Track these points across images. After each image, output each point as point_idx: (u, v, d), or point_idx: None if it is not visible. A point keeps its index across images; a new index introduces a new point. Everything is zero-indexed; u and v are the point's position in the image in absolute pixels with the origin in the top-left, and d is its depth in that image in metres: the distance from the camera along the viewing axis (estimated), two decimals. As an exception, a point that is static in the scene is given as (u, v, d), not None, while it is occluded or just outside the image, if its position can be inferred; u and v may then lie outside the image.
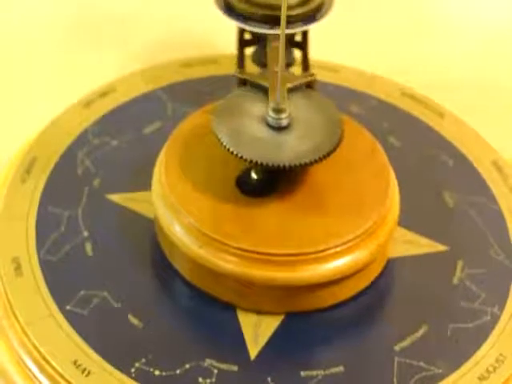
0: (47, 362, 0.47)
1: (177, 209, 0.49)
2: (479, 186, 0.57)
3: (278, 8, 0.51)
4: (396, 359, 0.48)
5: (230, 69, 0.60)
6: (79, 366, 0.47)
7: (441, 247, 0.53)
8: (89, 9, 0.67)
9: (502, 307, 0.50)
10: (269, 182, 0.50)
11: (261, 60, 0.56)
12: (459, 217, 0.55)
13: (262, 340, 0.49)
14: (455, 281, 0.52)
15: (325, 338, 0.49)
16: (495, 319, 0.50)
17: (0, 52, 0.70)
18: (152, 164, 0.52)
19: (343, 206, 0.50)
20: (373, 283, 0.52)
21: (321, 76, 0.62)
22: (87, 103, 0.60)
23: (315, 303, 0.50)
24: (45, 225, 0.52)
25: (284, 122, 0.49)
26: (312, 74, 0.53)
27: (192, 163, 0.51)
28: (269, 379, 0.47)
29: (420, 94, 0.62)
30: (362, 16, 0.74)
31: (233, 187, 0.50)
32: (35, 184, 0.55)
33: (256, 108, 0.50)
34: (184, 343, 0.48)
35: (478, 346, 0.49)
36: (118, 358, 0.47)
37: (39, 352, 0.47)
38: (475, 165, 0.58)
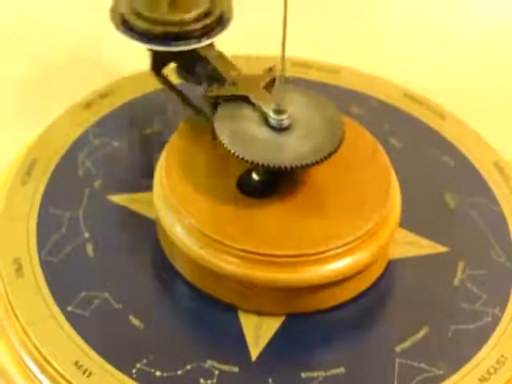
0: (48, 362, 0.47)
1: (178, 210, 0.49)
2: (480, 187, 0.57)
3: (177, 24, 0.52)
4: (397, 360, 0.48)
5: None
6: (80, 366, 0.47)
7: (442, 248, 0.53)
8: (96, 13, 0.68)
9: (502, 308, 0.50)
10: (270, 183, 0.50)
11: (192, 72, 0.55)
12: (460, 218, 0.55)
13: (263, 341, 0.49)
14: (456, 282, 0.52)
15: (325, 339, 0.49)
16: (496, 320, 0.50)
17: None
18: (153, 165, 0.52)
19: (344, 207, 0.50)
20: (374, 284, 0.51)
21: (321, 77, 0.62)
22: (87, 104, 0.60)
23: (316, 304, 0.50)
24: (46, 226, 0.52)
25: (285, 123, 0.49)
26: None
27: (193, 164, 0.51)
28: (270, 380, 0.47)
29: (421, 95, 0.62)
30: (362, 17, 0.74)
31: (234, 188, 0.50)
32: (36, 185, 0.54)
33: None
34: (185, 344, 0.48)
35: (478, 347, 0.49)
36: (119, 358, 0.47)
37: (40, 352, 0.47)
38: (476, 166, 0.58)
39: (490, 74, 0.72)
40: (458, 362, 0.48)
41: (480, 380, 0.47)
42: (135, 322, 0.49)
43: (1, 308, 0.50)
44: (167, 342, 0.48)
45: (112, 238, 0.52)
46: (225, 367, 0.47)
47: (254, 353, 0.48)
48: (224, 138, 0.49)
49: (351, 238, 0.48)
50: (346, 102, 0.61)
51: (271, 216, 0.49)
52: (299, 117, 0.50)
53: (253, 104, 0.50)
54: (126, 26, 0.53)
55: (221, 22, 0.54)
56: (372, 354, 0.48)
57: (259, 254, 0.48)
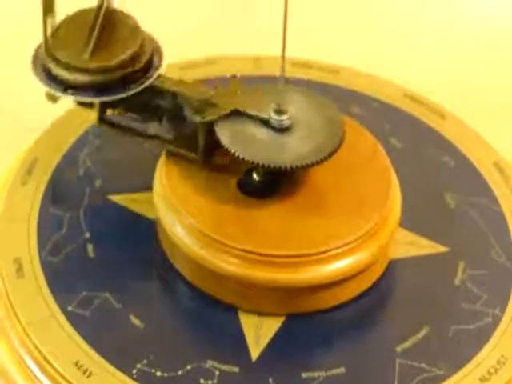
0: (48, 362, 0.47)
1: (178, 210, 0.49)
2: (481, 187, 0.57)
3: (103, 71, 0.49)
4: (397, 360, 0.48)
5: (229, 70, 0.61)
6: (81, 366, 0.47)
7: (442, 248, 0.53)
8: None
9: (503, 308, 0.51)
10: (270, 184, 0.50)
11: (146, 109, 0.52)
12: (460, 218, 0.55)
13: (264, 341, 0.49)
14: (457, 282, 0.52)
15: (326, 340, 0.49)
16: (497, 321, 0.50)
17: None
18: (153, 165, 0.52)
19: (344, 207, 0.50)
20: (374, 284, 0.52)
21: (321, 77, 0.63)
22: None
23: (316, 304, 0.50)
24: (46, 226, 0.52)
25: (285, 124, 0.50)
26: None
27: (193, 165, 0.51)
28: (270, 380, 0.47)
29: (421, 95, 0.62)
30: (363, 17, 0.75)
31: (234, 188, 0.50)
32: (36, 185, 0.55)
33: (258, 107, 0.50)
34: (185, 344, 0.48)
35: (479, 347, 0.49)
36: (119, 358, 0.47)
37: (40, 352, 0.47)
38: (477, 166, 0.58)
39: (491, 73, 0.72)
40: (458, 362, 0.48)
41: (481, 380, 0.47)
42: (135, 321, 0.49)
43: (1, 308, 0.50)
44: (167, 342, 0.48)
45: (112, 237, 0.52)
46: (225, 367, 0.47)
47: (255, 353, 0.48)
48: (225, 138, 0.49)
49: (352, 238, 0.49)
50: (347, 102, 0.61)
51: (272, 216, 0.49)
52: (300, 117, 0.50)
53: (250, 115, 0.50)
54: (47, 74, 0.50)
55: (151, 65, 0.51)
56: (372, 354, 0.49)
57: (259, 254, 0.48)
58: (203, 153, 0.51)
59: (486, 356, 0.48)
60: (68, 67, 0.49)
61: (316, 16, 0.72)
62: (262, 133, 0.50)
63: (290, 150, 0.49)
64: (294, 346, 0.49)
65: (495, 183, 0.57)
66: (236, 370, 0.47)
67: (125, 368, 0.47)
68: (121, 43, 0.50)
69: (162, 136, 0.52)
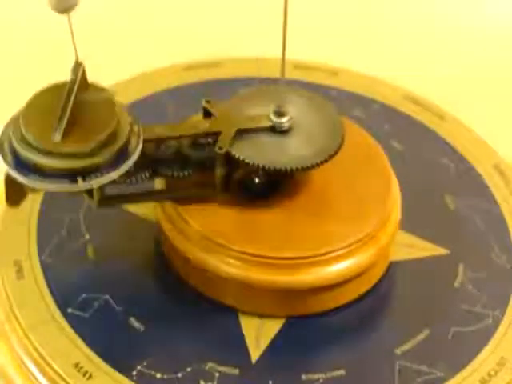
0: (48, 364, 0.47)
1: (178, 213, 0.49)
2: (481, 189, 0.57)
3: (77, 156, 0.44)
4: (397, 363, 0.48)
5: (233, 72, 0.61)
6: (81, 368, 0.47)
7: (442, 251, 0.54)
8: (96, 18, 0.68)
9: (503, 311, 0.51)
10: (271, 186, 0.51)
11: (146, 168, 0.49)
12: (460, 220, 0.55)
13: (264, 343, 0.49)
14: (457, 284, 0.52)
15: (326, 342, 0.50)
16: (497, 322, 0.50)
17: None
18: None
19: (344, 210, 0.51)
20: (374, 287, 0.52)
21: (322, 79, 0.63)
22: None
23: (317, 307, 0.50)
24: (46, 228, 0.52)
25: (285, 126, 0.50)
26: None
27: None
28: (270, 382, 0.47)
29: (421, 97, 0.63)
30: (362, 20, 0.75)
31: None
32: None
33: (257, 111, 0.51)
34: (185, 346, 0.49)
35: (479, 349, 0.49)
36: (119, 360, 0.48)
37: (40, 354, 0.48)
38: (477, 168, 0.58)
39: (492, 75, 0.72)
40: (458, 364, 0.48)
41: (481, 382, 0.48)
42: (135, 324, 0.49)
43: (1, 310, 0.50)
44: (167, 344, 0.49)
45: (112, 240, 0.52)
46: (225, 369, 0.48)
47: (255, 355, 0.48)
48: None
49: (352, 240, 0.49)
50: (347, 104, 0.61)
51: (272, 218, 0.50)
52: (300, 119, 0.51)
53: (253, 130, 0.50)
54: (18, 161, 0.45)
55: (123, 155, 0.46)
56: (372, 356, 0.49)
57: (260, 257, 0.48)
58: (223, 182, 0.50)
59: (486, 358, 0.49)
60: (38, 150, 0.44)
61: (317, 19, 0.72)
62: (262, 135, 0.50)
63: (291, 153, 0.49)
64: (294, 348, 0.49)
65: (495, 185, 0.57)
66: (236, 371, 0.48)
67: (125, 370, 0.47)
68: (96, 122, 0.46)
69: (172, 186, 0.49)
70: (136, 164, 0.47)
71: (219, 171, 0.49)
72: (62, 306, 0.49)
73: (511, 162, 0.59)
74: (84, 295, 0.50)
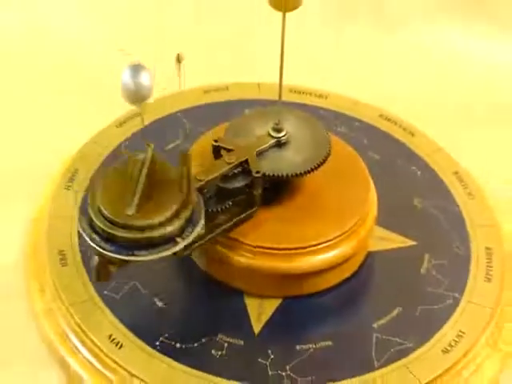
0: (87, 336, 0.51)
1: None
2: (443, 192, 0.60)
3: (147, 228, 0.45)
4: (375, 335, 0.51)
5: (238, 95, 0.63)
6: (113, 339, 0.50)
7: (411, 242, 0.56)
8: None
9: (461, 292, 0.54)
10: (271, 191, 0.53)
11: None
12: (426, 218, 0.58)
13: (264, 319, 0.52)
14: (423, 270, 0.55)
15: (316, 318, 0.52)
16: (456, 302, 0.53)
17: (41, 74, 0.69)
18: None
19: (331, 209, 0.53)
20: (355, 272, 0.55)
21: (312, 101, 0.65)
22: (120, 123, 0.63)
23: (308, 288, 0.53)
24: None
25: (283, 140, 0.53)
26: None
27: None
28: (269, 351, 0.50)
29: (395, 116, 0.65)
30: (348, 53, 0.74)
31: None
32: (77, 190, 0.58)
33: (259, 127, 0.53)
34: (200, 321, 0.51)
35: (442, 324, 0.52)
36: (145, 333, 0.50)
37: (81, 328, 0.51)
38: (440, 175, 0.61)
39: (455, 96, 0.72)
40: (425, 336, 0.51)
41: (443, 351, 0.51)
42: (159, 303, 0.52)
43: (49, 293, 0.53)
44: (185, 319, 0.51)
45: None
46: (232, 340, 0.51)
47: (257, 328, 0.51)
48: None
49: (337, 234, 0.52)
50: (333, 122, 0.63)
51: (272, 217, 0.52)
52: (294, 134, 0.53)
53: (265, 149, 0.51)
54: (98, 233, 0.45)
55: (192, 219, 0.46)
56: (354, 329, 0.52)
57: (263, 248, 0.51)
58: (261, 199, 0.51)
59: (448, 331, 0.52)
60: (113, 222, 0.44)
61: (309, 51, 0.72)
62: (270, 151, 0.52)
63: (288, 162, 0.52)
64: (290, 323, 0.52)
65: (455, 189, 0.60)
66: (241, 342, 0.50)
67: (150, 340, 0.50)
68: (165, 198, 0.45)
69: (215, 226, 0.50)
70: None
71: (257, 191, 0.50)
72: (99, 288, 0.52)
73: (469, 170, 0.62)
74: (115, 283, 0.52)
